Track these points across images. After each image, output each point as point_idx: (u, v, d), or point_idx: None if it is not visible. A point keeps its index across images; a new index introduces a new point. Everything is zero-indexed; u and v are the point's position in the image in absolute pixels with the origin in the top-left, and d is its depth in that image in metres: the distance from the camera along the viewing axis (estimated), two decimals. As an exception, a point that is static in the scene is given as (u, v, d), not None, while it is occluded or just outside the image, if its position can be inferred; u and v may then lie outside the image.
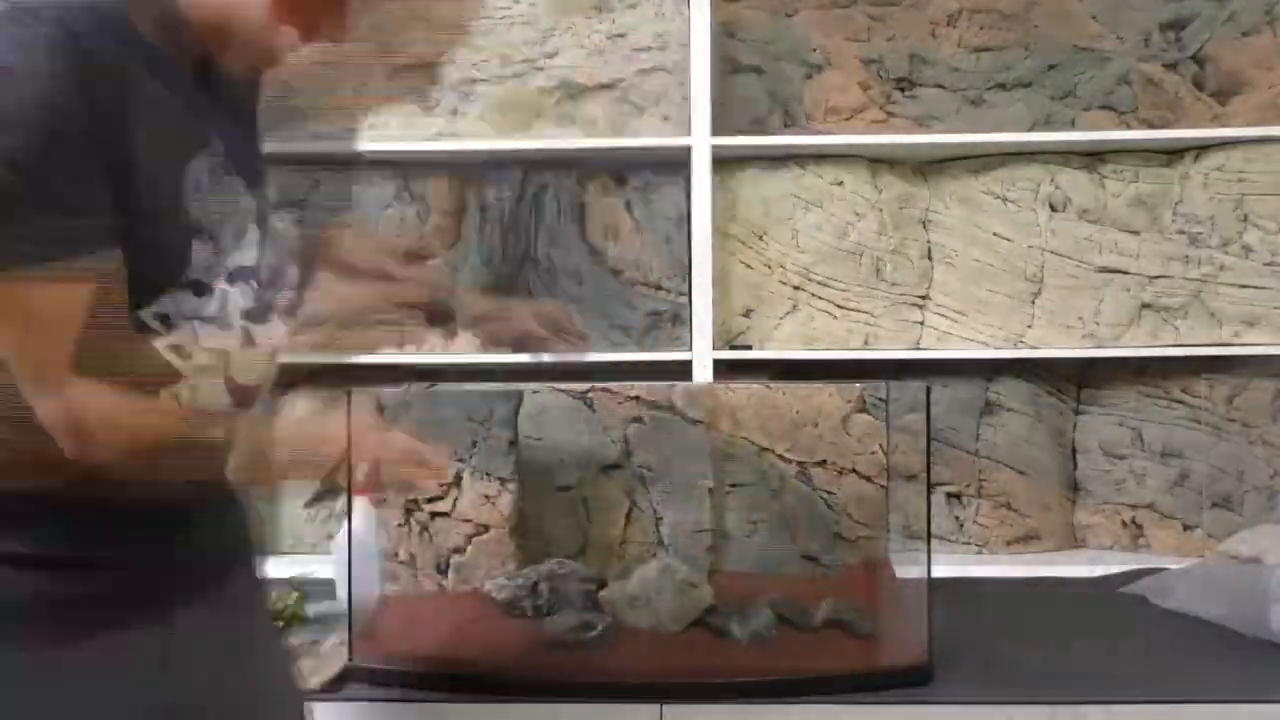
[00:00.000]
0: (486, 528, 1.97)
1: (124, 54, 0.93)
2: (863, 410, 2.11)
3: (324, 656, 1.53)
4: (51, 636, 0.93)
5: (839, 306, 2.13)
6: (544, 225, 2.15)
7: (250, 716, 1.08)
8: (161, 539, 0.98)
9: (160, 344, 0.97)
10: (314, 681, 1.44)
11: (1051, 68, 2.16)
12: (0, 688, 0.92)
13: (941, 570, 1.64)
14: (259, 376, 1.06)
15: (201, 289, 0.99)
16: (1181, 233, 2.11)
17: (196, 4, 0.99)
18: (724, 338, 2.12)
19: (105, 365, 0.92)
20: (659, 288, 2.14)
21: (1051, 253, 2.12)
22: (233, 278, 1.03)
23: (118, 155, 0.90)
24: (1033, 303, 2.13)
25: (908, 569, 1.69)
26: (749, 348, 2.13)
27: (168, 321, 0.98)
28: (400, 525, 1.90)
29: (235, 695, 1.04)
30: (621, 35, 2.14)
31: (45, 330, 0.90)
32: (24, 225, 0.86)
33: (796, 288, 2.13)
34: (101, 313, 0.91)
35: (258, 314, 1.05)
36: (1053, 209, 2.13)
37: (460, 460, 2.05)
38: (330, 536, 2.11)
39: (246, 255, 1.05)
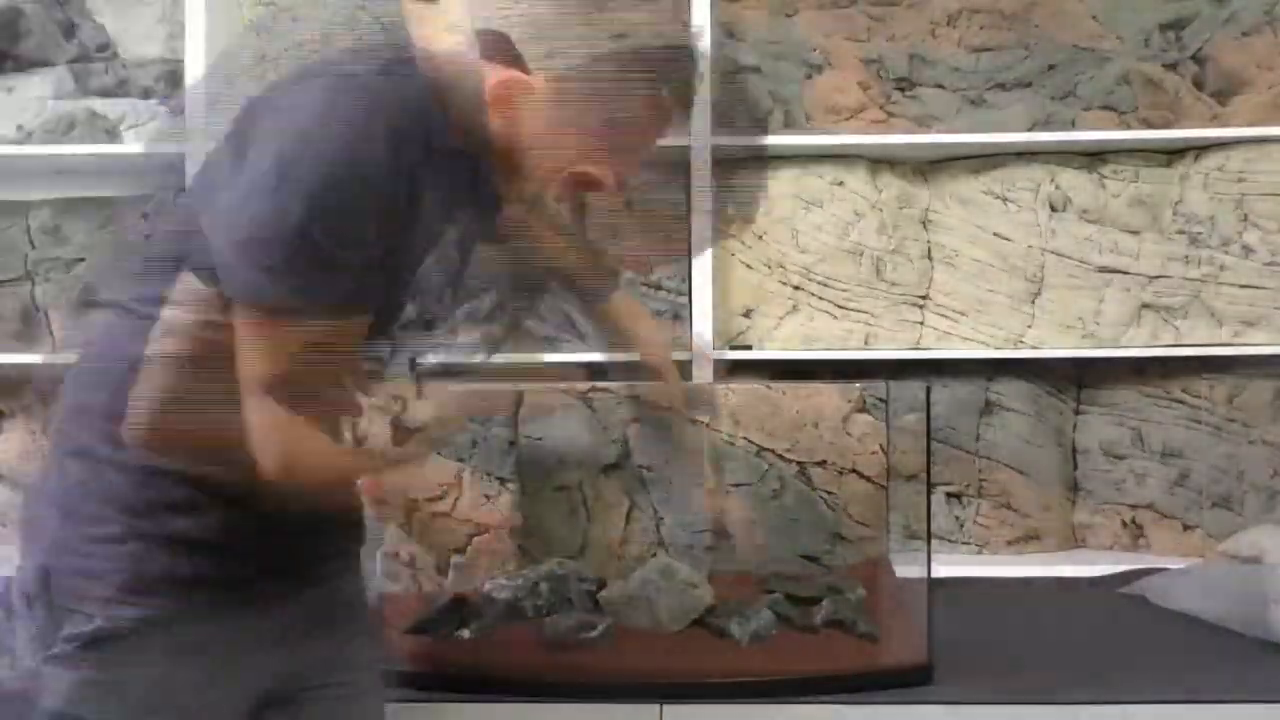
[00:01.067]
0: (486, 528, 1.97)
1: (422, 129, 0.98)
2: (863, 410, 2.11)
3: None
4: (199, 610, 1.03)
5: (839, 306, 2.13)
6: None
7: (338, 695, 1.17)
8: (295, 535, 1.07)
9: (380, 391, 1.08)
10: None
11: (1051, 68, 2.16)
12: (147, 653, 1.00)
13: (941, 570, 1.64)
14: (426, 421, 1.15)
15: (431, 325, 1.12)
16: (1181, 233, 2.11)
17: (504, 144, 1.04)
18: (724, 338, 2.12)
19: (310, 396, 0.99)
20: (659, 288, 2.14)
21: (1051, 253, 2.12)
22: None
23: (398, 221, 0.97)
24: (1033, 303, 2.13)
25: (908, 569, 1.68)
26: (749, 348, 2.13)
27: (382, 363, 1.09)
28: (400, 525, 1.90)
29: (330, 674, 1.15)
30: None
31: (276, 351, 0.95)
32: (310, 280, 0.93)
33: (796, 288, 2.13)
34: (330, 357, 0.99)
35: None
36: (1053, 209, 2.13)
37: (460, 460, 2.05)
38: (330, 536, 2.11)
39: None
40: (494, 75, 1.02)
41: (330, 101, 0.94)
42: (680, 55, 1.07)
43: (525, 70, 1.05)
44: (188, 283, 0.97)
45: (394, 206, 0.96)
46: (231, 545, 1.03)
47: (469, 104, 1.01)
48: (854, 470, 2.09)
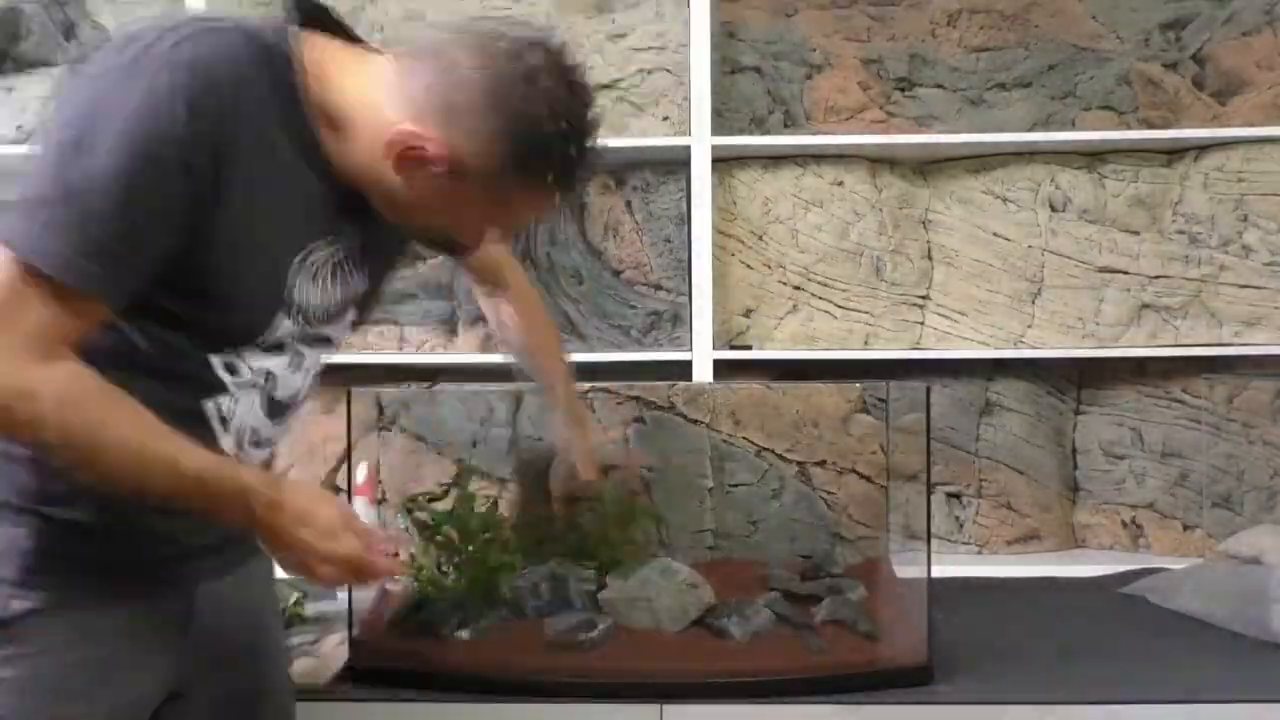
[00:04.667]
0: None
1: (272, 127, 0.97)
2: (863, 410, 2.11)
3: (324, 656, 1.53)
4: (95, 596, 1.01)
5: (839, 306, 2.13)
6: (544, 225, 2.15)
7: (248, 687, 1.17)
8: (192, 520, 1.03)
9: (215, 359, 1.02)
10: (314, 681, 1.44)
11: (1051, 68, 2.16)
12: (45, 639, 0.99)
13: (941, 570, 1.63)
14: (293, 393, 1.11)
15: (278, 348, 1.06)
16: (1181, 233, 2.11)
17: (345, 168, 1.02)
18: (724, 338, 2.12)
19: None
20: (659, 288, 2.14)
21: (1051, 253, 2.12)
22: (309, 340, 1.09)
23: (216, 218, 0.94)
24: (1033, 303, 2.13)
25: (908, 569, 1.68)
26: (749, 348, 2.13)
27: (232, 370, 1.03)
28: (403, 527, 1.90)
29: (238, 665, 1.15)
30: (621, 35, 2.14)
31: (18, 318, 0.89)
32: (79, 240, 0.88)
33: (796, 288, 2.13)
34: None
35: (310, 340, 1.10)
36: (1053, 209, 2.13)
37: (460, 460, 2.05)
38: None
39: (336, 329, 1.12)
40: (393, 122, 0.98)
41: (140, 70, 0.89)
42: (578, 146, 1.02)
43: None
44: None
45: (186, 202, 0.92)
46: (122, 532, 1.02)
47: (361, 142, 1.00)
48: (854, 470, 2.09)
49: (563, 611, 1.57)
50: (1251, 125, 2.09)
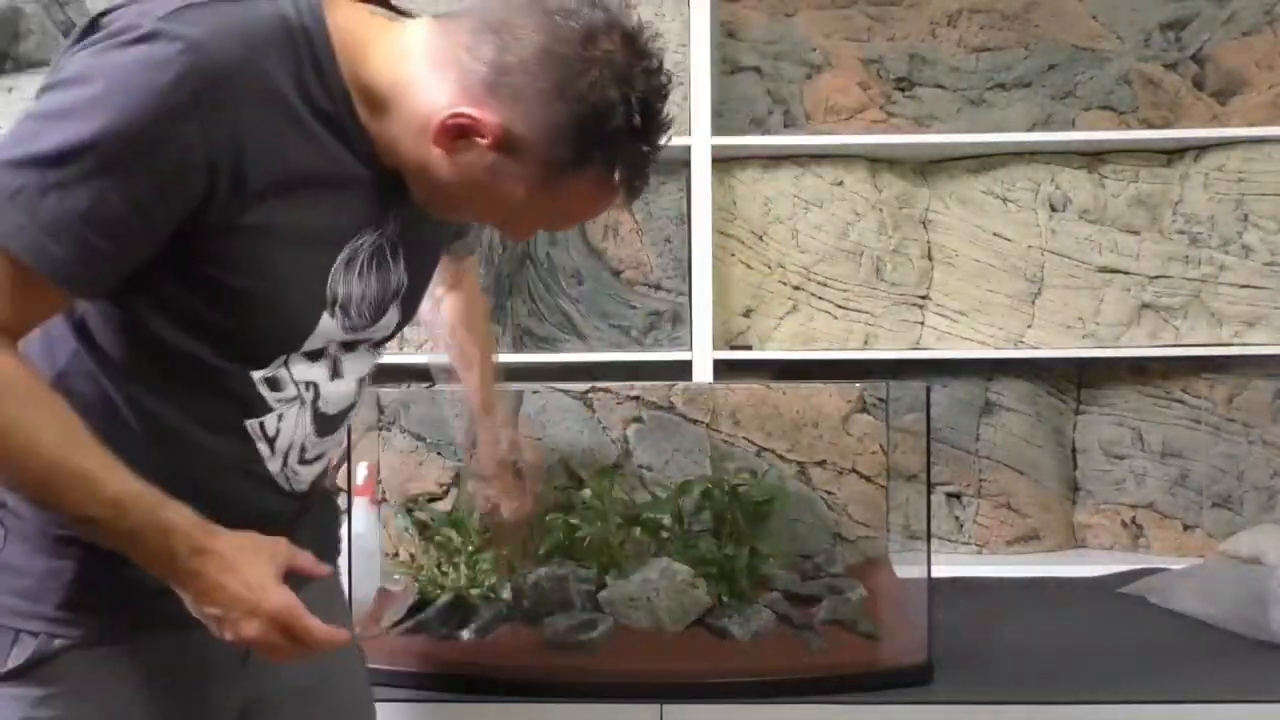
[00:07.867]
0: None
1: (307, 115, 0.89)
2: (863, 410, 2.11)
3: (324, 656, 1.52)
4: (143, 627, 0.96)
5: (839, 306, 2.13)
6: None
7: (319, 709, 1.12)
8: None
9: (256, 375, 0.95)
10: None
11: (1051, 68, 2.16)
12: (87, 677, 0.94)
13: (941, 570, 1.63)
14: (342, 405, 1.04)
15: (318, 356, 0.98)
16: (1181, 233, 2.11)
17: (431, 176, 0.94)
18: (724, 338, 2.12)
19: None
20: (659, 288, 2.14)
21: (1051, 253, 2.12)
22: (352, 346, 1.01)
23: (240, 216, 0.86)
24: (1033, 303, 2.13)
25: (908, 569, 1.68)
26: (749, 348, 2.13)
27: (275, 385, 0.96)
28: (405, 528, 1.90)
29: (308, 689, 1.08)
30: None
31: None
32: (38, 213, 0.81)
33: (796, 288, 2.13)
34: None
35: (353, 344, 1.03)
36: (1053, 209, 2.13)
37: (460, 460, 2.05)
38: (330, 536, 2.11)
39: (379, 330, 1.03)
40: (442, 103, 0.90)
41: (142, 40, 0.81)
42: (648, 146, 0.97)
43: None
44: None
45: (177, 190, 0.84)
46: None
47: (403, 121, 0.91)
48: (854, 470, 2.09)
49: (563, 611, 1.57)
50: (1251, 125, 2.09)
